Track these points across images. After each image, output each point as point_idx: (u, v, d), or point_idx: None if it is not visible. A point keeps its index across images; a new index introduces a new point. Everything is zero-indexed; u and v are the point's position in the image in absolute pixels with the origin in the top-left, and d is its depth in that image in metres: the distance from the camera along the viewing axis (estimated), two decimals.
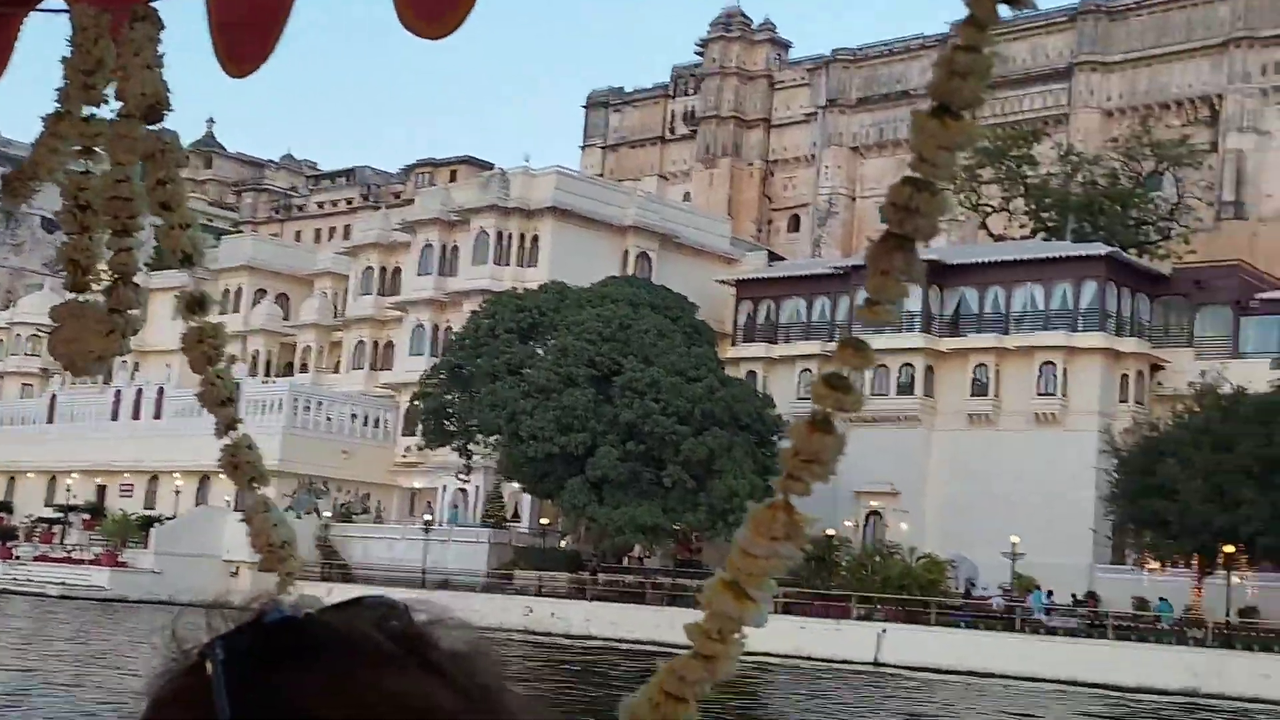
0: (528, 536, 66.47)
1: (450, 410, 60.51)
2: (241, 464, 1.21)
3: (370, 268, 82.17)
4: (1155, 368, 65.34)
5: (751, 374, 70.24)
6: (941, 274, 68.45)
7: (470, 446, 60.47)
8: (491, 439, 59.05)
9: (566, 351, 55.75)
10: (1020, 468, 63.69)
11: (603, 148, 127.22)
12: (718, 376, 56.40)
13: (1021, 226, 78.09)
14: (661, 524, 53.55)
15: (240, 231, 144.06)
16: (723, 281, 75.18)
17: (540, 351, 57.66)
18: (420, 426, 62.98)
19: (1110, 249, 65.05)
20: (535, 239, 73.19)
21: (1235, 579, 50.54)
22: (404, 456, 71.64)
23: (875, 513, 67.18)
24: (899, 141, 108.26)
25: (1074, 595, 55.50)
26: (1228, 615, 47.65)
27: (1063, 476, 62.74)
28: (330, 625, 0.84)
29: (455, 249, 75.86)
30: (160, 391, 78.29)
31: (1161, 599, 51.47)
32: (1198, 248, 74.88)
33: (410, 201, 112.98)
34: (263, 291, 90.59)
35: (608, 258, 73.31)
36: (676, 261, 75.29)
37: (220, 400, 1.25)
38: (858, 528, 65.81)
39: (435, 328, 75.58)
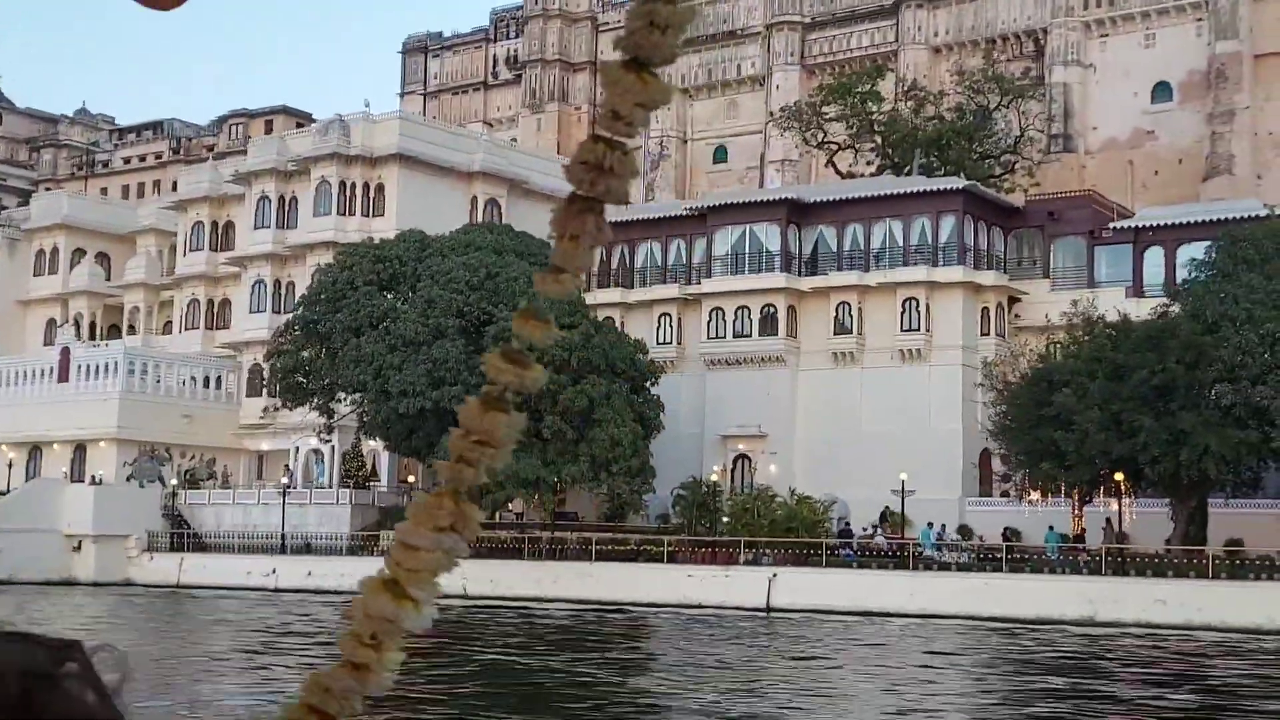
0: (390, 496, 64.26)
1: (308, 368, 57.84)
2: None
3: (200, 222, 78.30)
4: (1012, 300, 65.76)
5: (609, 319, 68.85)
6: (799, 212, 67.91)
7: (332, 405, 57.96)
8: (353, 396, 56.63)
9: (434, 302, 53.58)
10: (886, 405, 63.62)
11: (423, 95, 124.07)
12: (591, 323, 54.83)
13: (869, 164, 77.94)
14: (543, 477, 51.93)
15: (37, 190, 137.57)
16: None
17: (402, 304, 55.31)
18: (276, 386, 60.08)
19: (968, 183, 65.10)
20: (380, 188, 70.45)
21: (1115, 506, 51.12)
22: (261, 418, 68.50)
23: (744, 456, 66.50)
24: (729, 82, 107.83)
25: (960, 528, 55.56)
26: (1121, 542, 48.07)
27: (929, 411, 62.90)
28: None
29: (294, 200, 72.64)
30: None
31: (1051, 528, 51.69)
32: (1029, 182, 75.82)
33: (235, 153, 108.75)
34: (81, 251, 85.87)
35: (456, 205, 71.05)
36: (526, 207, 73.33)
37: None
38: (726, 472, 65.06)
39: (277, 283, 72.39)
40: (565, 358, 52.42)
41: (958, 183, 64.71)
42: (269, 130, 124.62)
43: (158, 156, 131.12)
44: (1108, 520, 50.08)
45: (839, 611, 49.17)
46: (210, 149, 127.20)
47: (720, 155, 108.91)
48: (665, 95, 0.91)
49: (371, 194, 70.60)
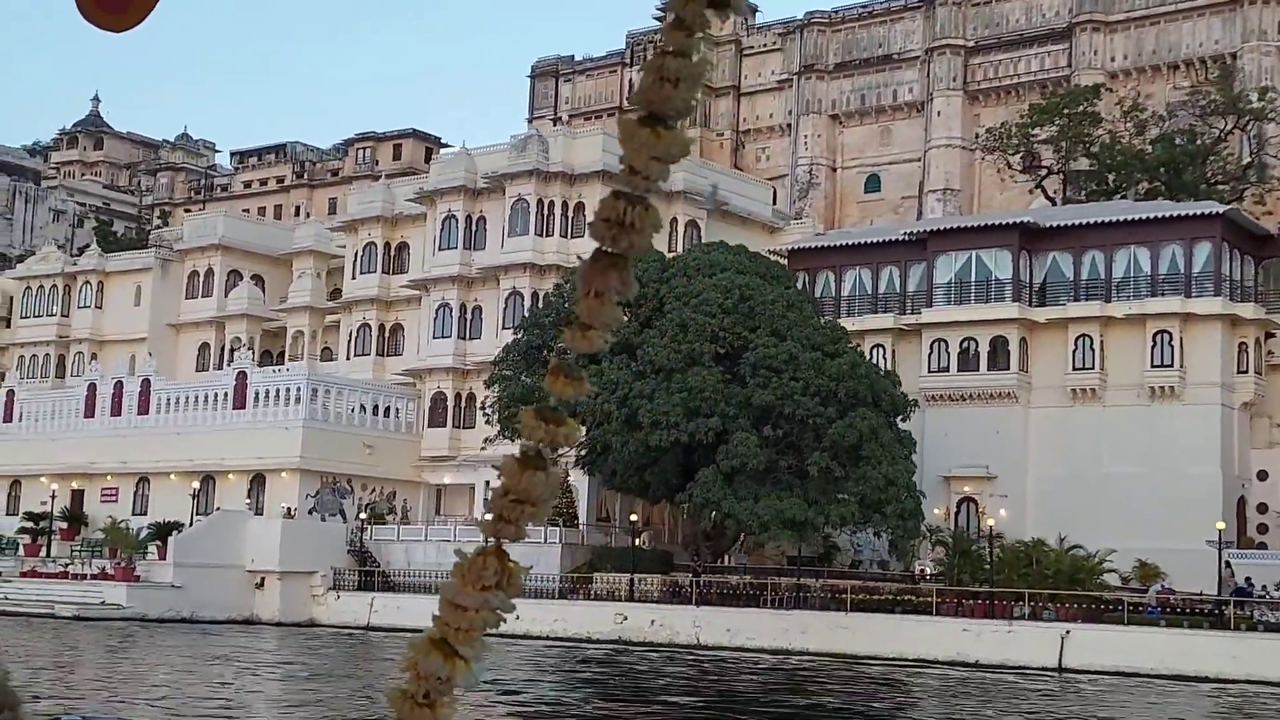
0: (596, 534, 59.92)
1: (535, 396, 53.40)
2: None
3: (372, 243, 74.09)
4: (1267, 335, 60.95)
5: None
6: (1031, 238, 63.26)
7: None
8: (585, 428, 52.12)
9: (686, 326, 49.20)
10: (1131, 446, 58.94)
11: (553, 119, 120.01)
12: (855, 352, 50.31)
13: (1082, 189, 73.24)
14: (809, 518, 47.34)
15: (145, 216, 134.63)
16: (773, 251, 68.98)
17: (648, 328, 50.84)
18: (496, 415, 55.62)
19: (1227, 207, 60.34)
20: (580, 206, 66.02)
21: None
22: (480, 449, 63.74)
23: (969, 499, 61.77)
24: (883, 108, 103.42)
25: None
26: None
27: (1180, 453, 58.10)
28: None
29: (482, 220, 68.43)
30: (146, 383, 69.65)
31: None
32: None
33: (361, 177, 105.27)
34: (237, 274, 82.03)
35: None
36: (723, 231, 68.87)
37: None
38: (949, 515, 60.37)
39: (463, 307, 68.10)
40: (831, 388, 47.91)
41: (1216, 207, 59.97)
42: (397, 155, 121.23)
43: (279, 180, 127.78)
44: None
45: (1143, 674, 44.33)
46: (335, 173, 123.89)
47: (873, 184, 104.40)
48: (683, 148, 0.88)
49: (570, 213, 66.29)
